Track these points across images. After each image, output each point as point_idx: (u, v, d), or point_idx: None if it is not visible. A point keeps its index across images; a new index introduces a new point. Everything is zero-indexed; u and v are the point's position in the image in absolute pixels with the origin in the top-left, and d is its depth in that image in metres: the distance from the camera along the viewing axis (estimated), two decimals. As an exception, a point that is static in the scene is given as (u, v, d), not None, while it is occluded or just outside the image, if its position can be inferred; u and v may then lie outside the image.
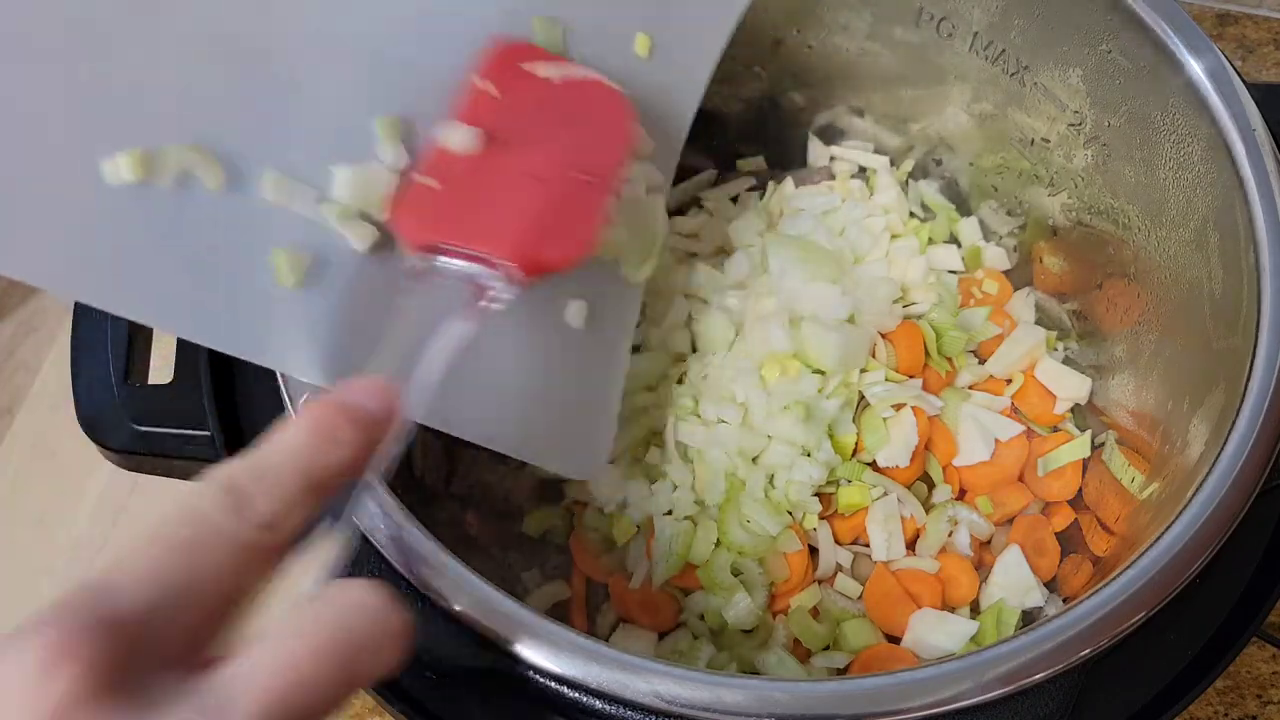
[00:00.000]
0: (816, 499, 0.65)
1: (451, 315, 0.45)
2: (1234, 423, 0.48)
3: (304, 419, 0.36)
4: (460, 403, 0.51)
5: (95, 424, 0.56)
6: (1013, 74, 0.65)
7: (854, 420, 0.67)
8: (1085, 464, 0.67)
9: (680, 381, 0.69)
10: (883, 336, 0.69)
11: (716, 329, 0.68)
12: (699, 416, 0.67)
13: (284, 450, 0.35)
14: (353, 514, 0.37)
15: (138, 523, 0.81)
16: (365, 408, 0.37)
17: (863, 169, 0.78)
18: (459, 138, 0.50)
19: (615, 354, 0.59)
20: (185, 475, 0.58)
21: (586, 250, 0.50)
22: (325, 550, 0.36)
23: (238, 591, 0.32)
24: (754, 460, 0.65)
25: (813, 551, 0.66)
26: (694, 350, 0.70)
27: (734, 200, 0.78)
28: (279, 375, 0.50)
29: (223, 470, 0.34)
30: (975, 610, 0.65)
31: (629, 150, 0.54)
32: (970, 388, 0.71)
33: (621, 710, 0.43)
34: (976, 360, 0.72)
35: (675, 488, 0.66)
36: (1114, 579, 0.45)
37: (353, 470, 0.36)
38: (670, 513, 0.66)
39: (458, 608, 0.44)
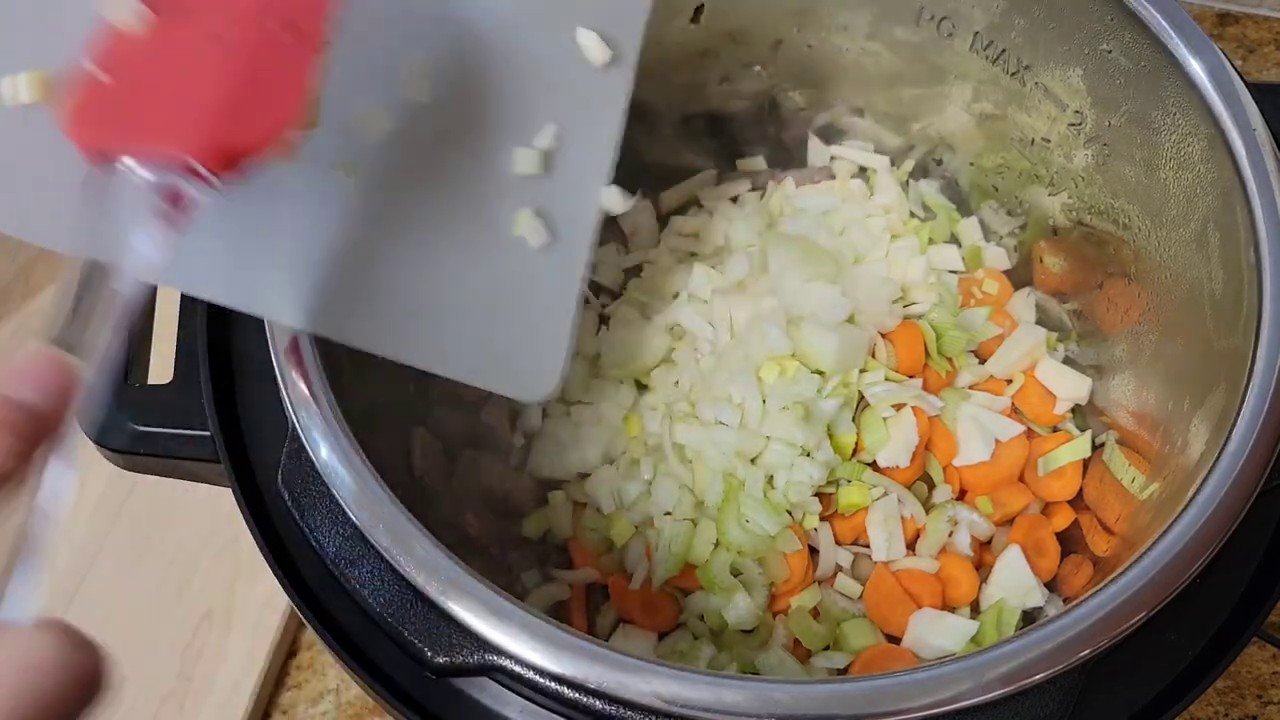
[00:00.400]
0: (816, 499, 0.65)
1: (139, 232, 0.39)
2: (1234, 423, 0.48)
3: None
4: (392, 323, 0.49)
5: (94, 424, 0.55)
6: (1013, 74, 0.65)
7: (854, 420, 0.67)
8: (1085, 464, 0.67)
9: (677, 383, 0.69)
10: (883, 336, 0.69)
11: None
12: (697, 418, 0.67)
13: None
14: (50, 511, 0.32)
15: (137, 525, 0.81)
16: (30, 402, 0.32)
17: (863, 169, 0.78)
18: (122, 11, 0.42)
19: (569, 268, 0.55)
20: (185, 475, 0.58)
21: (288, 121, 0.43)
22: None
23: None
24: (752, 461, 0.65)
25: (813, 552, 0.66)
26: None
27: (734, 200, 0.78)
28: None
29: None
30: (975, 610, 0.65)
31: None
32: (970, 388, 0.71)
33: (621, 710, 0.43)
34: (977, 360, 0.72)
35: (675, 488, 0.66)
36: (1114, 579, 0.45)
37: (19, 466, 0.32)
38: (670, 513, 0.66)
39: (457, 608, 0.44)
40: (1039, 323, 0.73)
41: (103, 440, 0.55)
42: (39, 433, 0.32)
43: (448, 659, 0.45)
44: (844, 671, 0.62)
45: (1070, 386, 0.69)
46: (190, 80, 0.41)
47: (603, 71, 0.54)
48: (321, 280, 0.48)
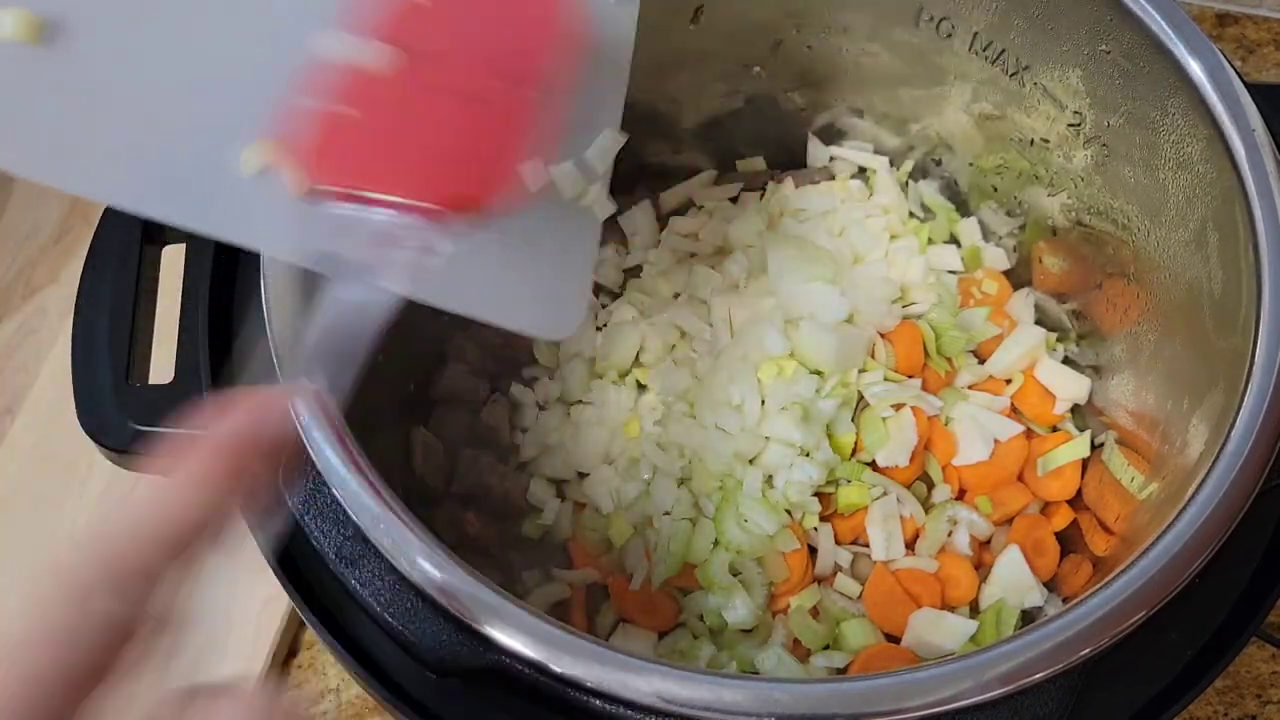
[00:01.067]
0: (816, 499, 0.65)
1: (373, 273, 0.40)
2: (1233, 422, 0.48)
3: (186, 474, 0.33)
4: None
5: (95, 424, 0.56)
6: (1012, 74, 0.65)
7: (853, 420, 0.67)
8: (1085, 464, 0.67)
9: (676, 384, 0.69)
10: (882, 336, 0.69)
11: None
12: (695, 418, 0.67)
13: (155, 519, 0.32)
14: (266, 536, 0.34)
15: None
16: (249, 438, 0.34)
17: (862, 169, 0.78)
18: (374, 55, 0.44)
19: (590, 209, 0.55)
20: (185, 475, 0.58)
21: (515, 171, 0.45)
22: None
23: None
24: (751, 461, 0.65)
25: (812, 551, 0.66)
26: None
27: (734, 200, 0.78)
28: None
29: (105, 547, 0.31)
30: (975, 610, 0.65)
31: (561, 37, 0.48)
32: (970, 388, 0.71)
33: (621, 710, 0.43)
34: (976, 360, 0.72)
35: (674, 488, 0.66)
36: (1114, 579, 0.45)
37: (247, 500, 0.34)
38: (669, 513, 0.66)
39: (458, 608, 0.44)
40: (1038, 323, 0.73)
41: (103, 440, 0.55)
42: (275, 463, 0.34)
43: (448, 659, 0.45)
44: (843, 671, 0.62)
45: (1069, 386, 0.69)
46: (432, 127, 0.43)
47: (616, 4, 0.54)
48: None
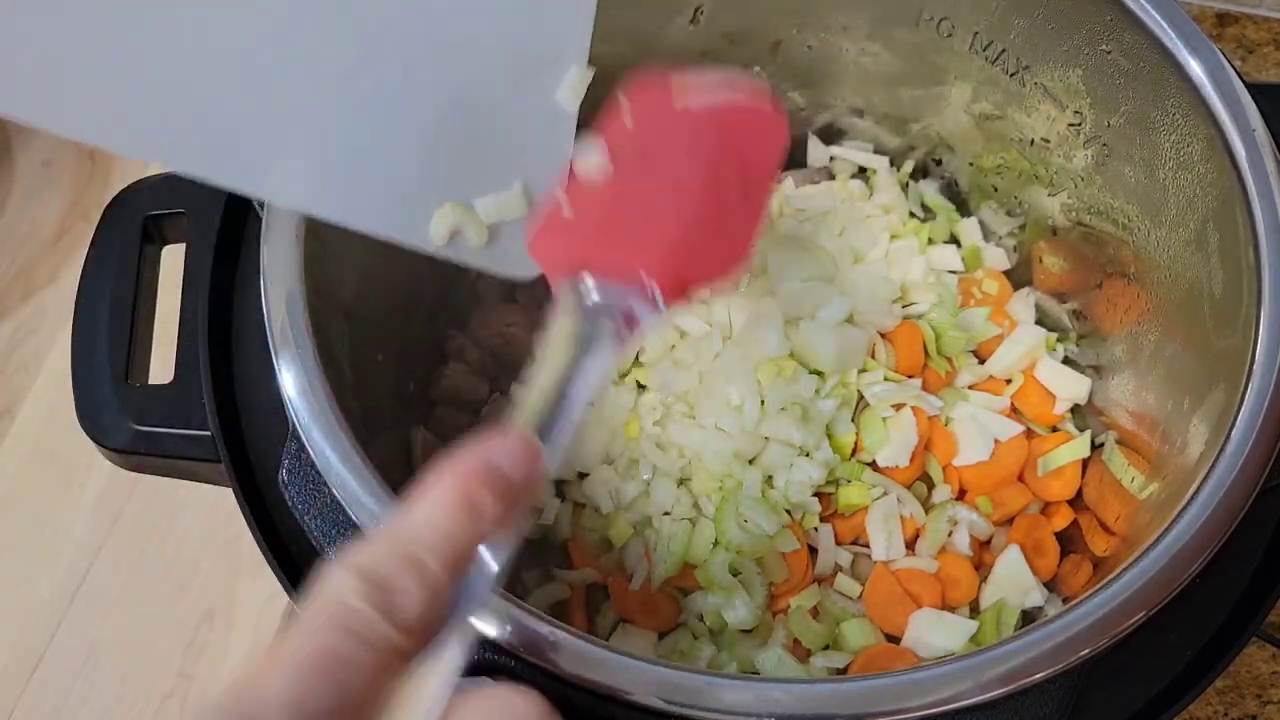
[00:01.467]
0: (816, 499, 0.65)
1: (597, 348, 0.42)
2: (1233, 422, 0.48)
3: (445, 489, 0.32)
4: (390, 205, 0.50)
5: (95, 424, 0.56)
6: (1013, 74, 0.65)
7: (853, 420, 0.67)
8: (1085, 464, 0.67)
9: (675, 384, 0.69)
10: (882, 336, 0.69)
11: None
12: (695, 418, 0.67)
13: (427, 527, 0.31)
14: (487, 591, 0.34)
15: (138, 525, 0.81)
16: (508, 474, 0.33)
17: (863, 169, 0.78)
18: (592, 162, 0.48)
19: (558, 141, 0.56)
20: (186, 475, 0.58)
21: (736, 261, 0.47)
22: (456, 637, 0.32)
23: (376, 700, 0.29)
24: (751, 461, 0.65)
25: (812, 551, 0.66)
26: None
27: (734, 200, 0.78)
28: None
29: (365, 555, 0.30)
30: (975, 610, 0.65)
31: (779, 162, 0.52)
32: (970, 388, 0.71)
33: (621, 710, 0.43)
34: (976, 360, 0.72)
35: (673, 488, 0.66)
36: (1114, 579, 0.45)
37: (492, 541, 0.33)
38: (668, 513, 0.66)
39: (458, 608, 0.44)
40: (1038, 323, 0.73)
41: (103, 440, 0.56)
42: (520, 508, 0.34)
43: (448, 659, 0.45)
44: (843, 671, 0.62)
45: (1069, 386, 0.69)
46: (652, 213, 0.46)
47: None
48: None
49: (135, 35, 0.43)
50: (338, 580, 0.30)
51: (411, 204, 0.50)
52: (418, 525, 0.32)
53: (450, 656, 0.31)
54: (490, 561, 0.34)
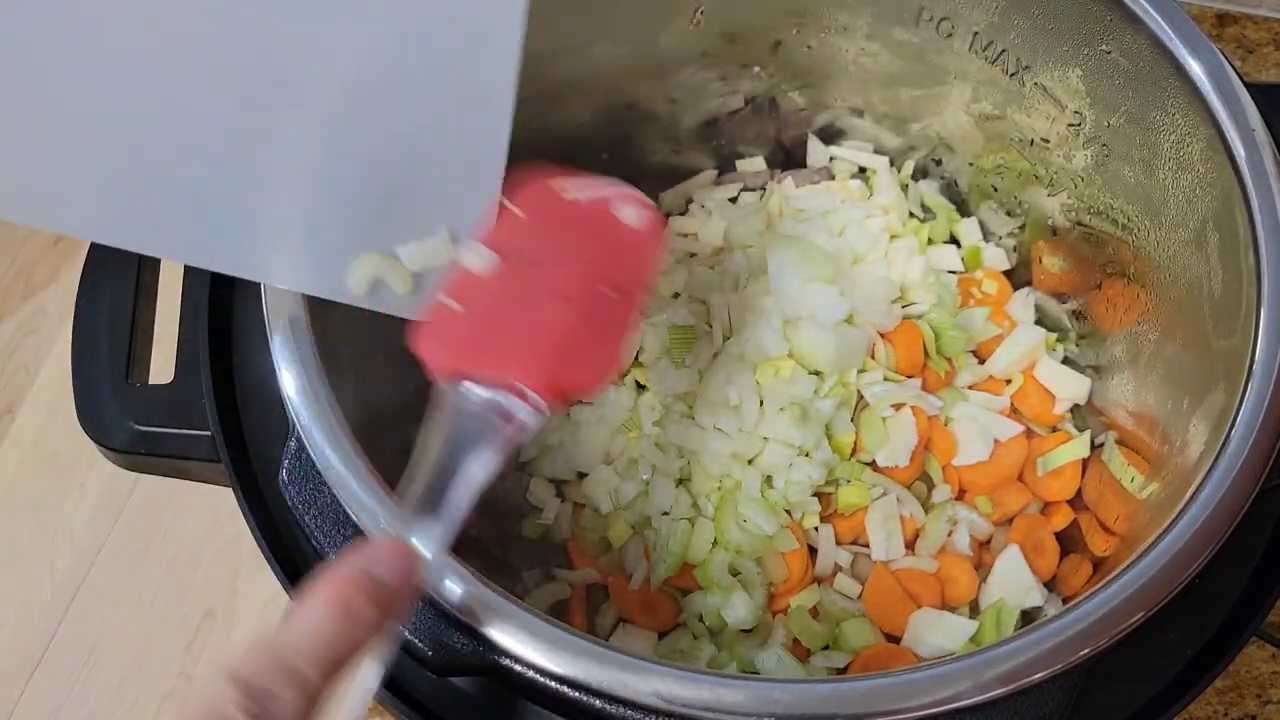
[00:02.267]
0: (815, 499, 0.65)
1: (478, 447, 0.43)
2: (1233, 422, 0.48)
3: (323, 598, 0.34)
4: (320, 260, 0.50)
5: (95, 424, 0.56)
6: (1012, 74, 0.65)
7: (853, 420, 0.67)
8: (1085, 464, 0.67)
9: (675, 384, 0.69)
10: (882, 336, 0.69)
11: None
12: (694, 418, 0.67)
13: (304, 636, 0.33)
14: (369, 693, 0.35)
15: (138, 525, 0.81)
16: (384, 581, 0.35)
17: (862, 169, 0.78)
18: (478, 258, 0.49)
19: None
20: (186, 475, 0.58)
21: (613, 372, 0.49)
22: None
23: None
24: (750, 461, 0.65)
25: (812, 551, 0.66)
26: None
27: (733, 200, 0.78)
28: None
29: (244, 665, 0.31)
30: (975, 610, 0.65)
31: (657, 263, 0.53)
32: (970, 388, 0.71)
33: (621, 710, 0.43)
34: (976, 360, 0.72)
35: (673, 488, 0.66)
36: (1114, 579, 0.45)
37: (369, 645, 0.34)
38: (668, 513, 0.66)
39: (457, 607, 0.44)
40: (1038, 323, 0.73)
41: (103, 440, 0.56)
42: (398, 612, 0.35)
43: (448, 659, 0.45)
44: (843, 671, 0.62)
45: (1069, 386, 0.69)
46: (531, 322, 0.47)
47: None
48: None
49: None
50: (215, 690, 0.31)
51: (328, 256, 0.50)
52: (296, 634, 0.33)
53: None
54: (369, 668, 0.36)
